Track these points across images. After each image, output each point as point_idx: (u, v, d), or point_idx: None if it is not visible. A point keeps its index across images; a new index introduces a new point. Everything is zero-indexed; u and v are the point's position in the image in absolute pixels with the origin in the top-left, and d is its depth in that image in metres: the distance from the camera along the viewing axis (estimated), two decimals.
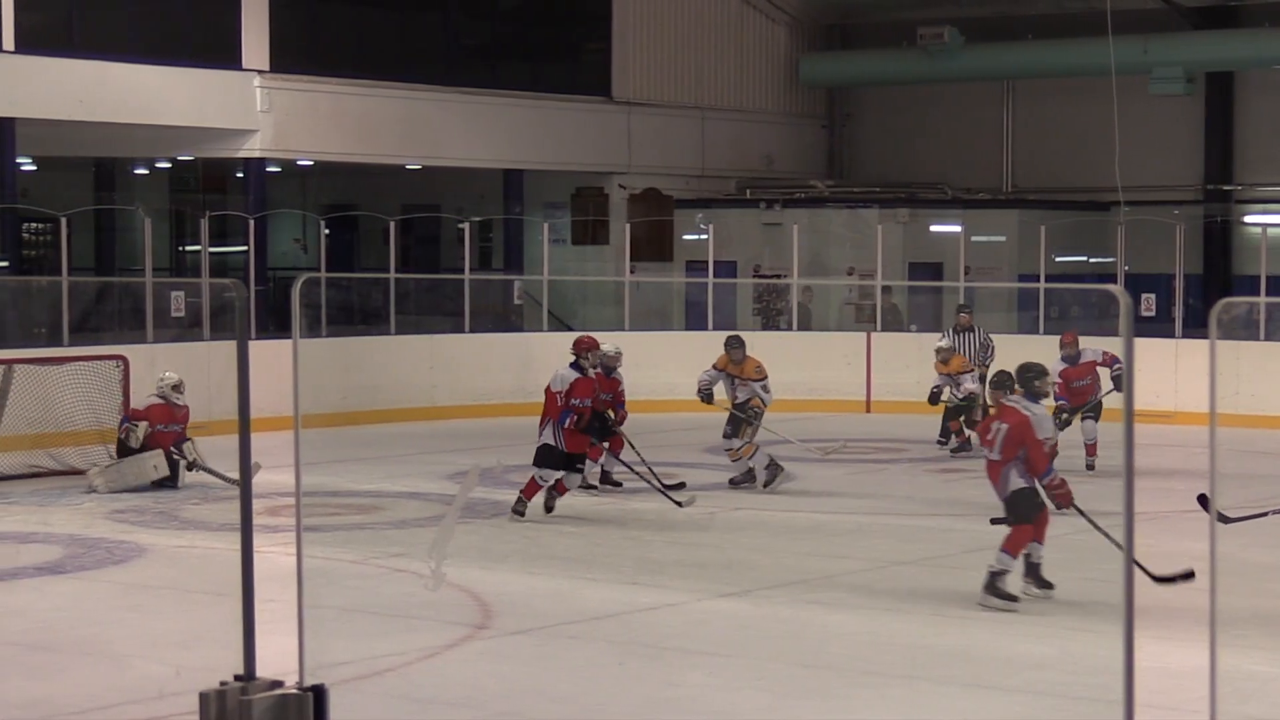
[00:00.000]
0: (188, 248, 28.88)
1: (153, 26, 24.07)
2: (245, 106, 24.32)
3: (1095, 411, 17.90)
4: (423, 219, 29.69)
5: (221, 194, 27.89)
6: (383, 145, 26.23)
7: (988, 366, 19.00)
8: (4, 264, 22.96)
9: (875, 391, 24.30)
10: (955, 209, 28.49)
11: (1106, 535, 11.46)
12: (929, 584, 12.46)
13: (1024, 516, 11.46)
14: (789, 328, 26.80)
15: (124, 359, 18.76)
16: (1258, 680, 9.56)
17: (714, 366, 17.35)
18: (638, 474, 16.17)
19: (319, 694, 6.19)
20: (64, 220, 21.88)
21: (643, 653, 10.46)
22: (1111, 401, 17.97)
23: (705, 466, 18.27)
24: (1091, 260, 28.64)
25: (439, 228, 30.03)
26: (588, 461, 15.79)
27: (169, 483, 17.05)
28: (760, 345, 25.09)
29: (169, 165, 29.14)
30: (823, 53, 32.22)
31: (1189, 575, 10.93)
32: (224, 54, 24.20)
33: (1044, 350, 18.34)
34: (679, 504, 15.59)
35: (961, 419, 19.54)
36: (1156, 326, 23.77)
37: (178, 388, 17.42)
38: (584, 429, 15.29)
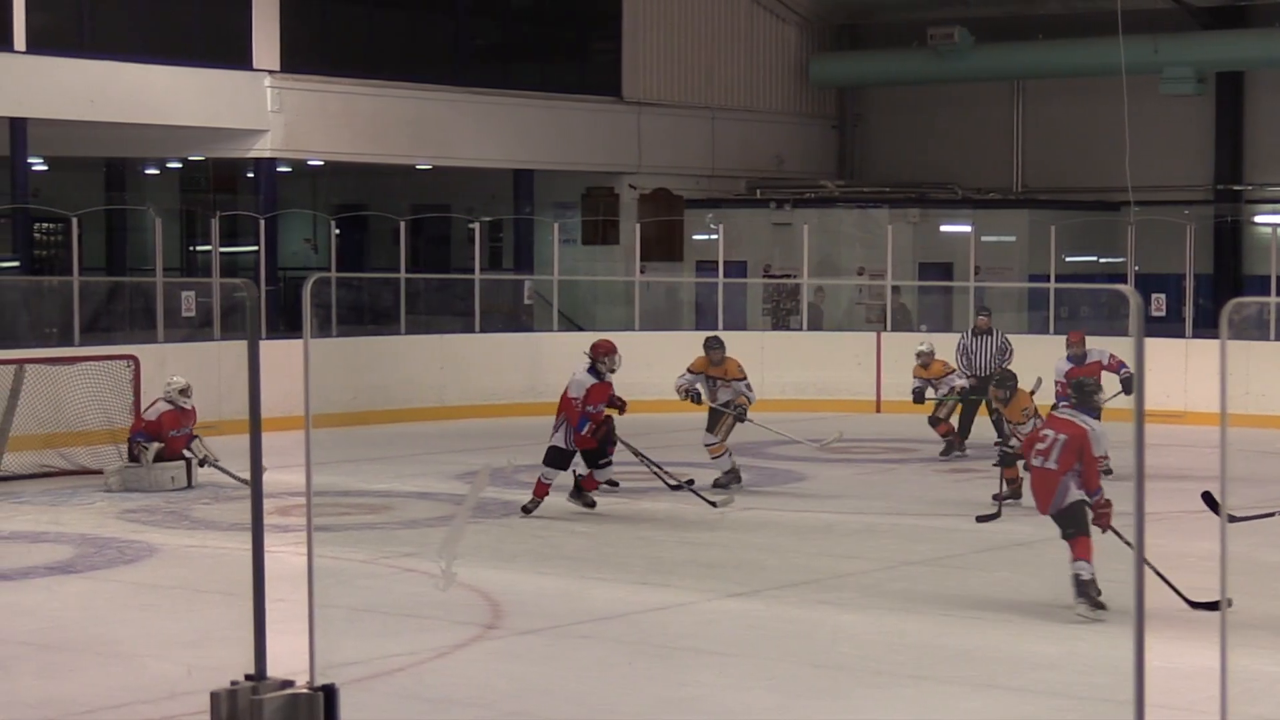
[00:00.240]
0: (198, 248, 28.90)
1: (163, 27, 24.10)
2: (256, 106, 24.35)
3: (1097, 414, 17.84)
4: (433, 219, 29.71)
5: (232, 194, 27.91)
6: (393, 145, 26.25)
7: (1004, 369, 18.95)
8: (15, 264, 23.01)
9: (885, 391, 24.29)
10: (965, 209, 28.48)
11: (1152, 567, 11.21)
12: (938, 584, 12.46)
13: (1084, 528, 11.27)
14: (800, 328, 26.82)
15: (135, 359, 18.79)
16: (1267, 680, 9.55)
17: (689, 370, 17.28)
18: (666, 480, 16.10)
19: (329, 694, 6.21)
20: (75, 220, 21.91)
21: (653, 652, 10.46)
22: (1117, 402, 17.95)
23: (717, 468, 18.24)
24: (1102, 260, 28.61)
25: (449, 228, 30.05)
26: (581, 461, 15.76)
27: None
28: (771, 345, 25.28)
29: (180, 165, 29.16)
30: (833, 53, 32.22)
31: (1215, 606, 10.78)
32: (235, 54, 24.23)
33: (1053, 350, 18.37)
34: (713, 504, 15.61)
35: (945, 419, 19.57)
36: (1167, 326, 23.77)
37: (185, 392, 17.43)
38: (599, 436, 15.32)
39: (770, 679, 9.74)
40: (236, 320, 21.92)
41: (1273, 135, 28.74)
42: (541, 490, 15.35)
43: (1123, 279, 25.58)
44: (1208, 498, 11.03)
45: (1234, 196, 29.03)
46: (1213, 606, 10.76)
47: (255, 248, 23.90)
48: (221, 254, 23.92)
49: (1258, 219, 28.95)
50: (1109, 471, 13.11)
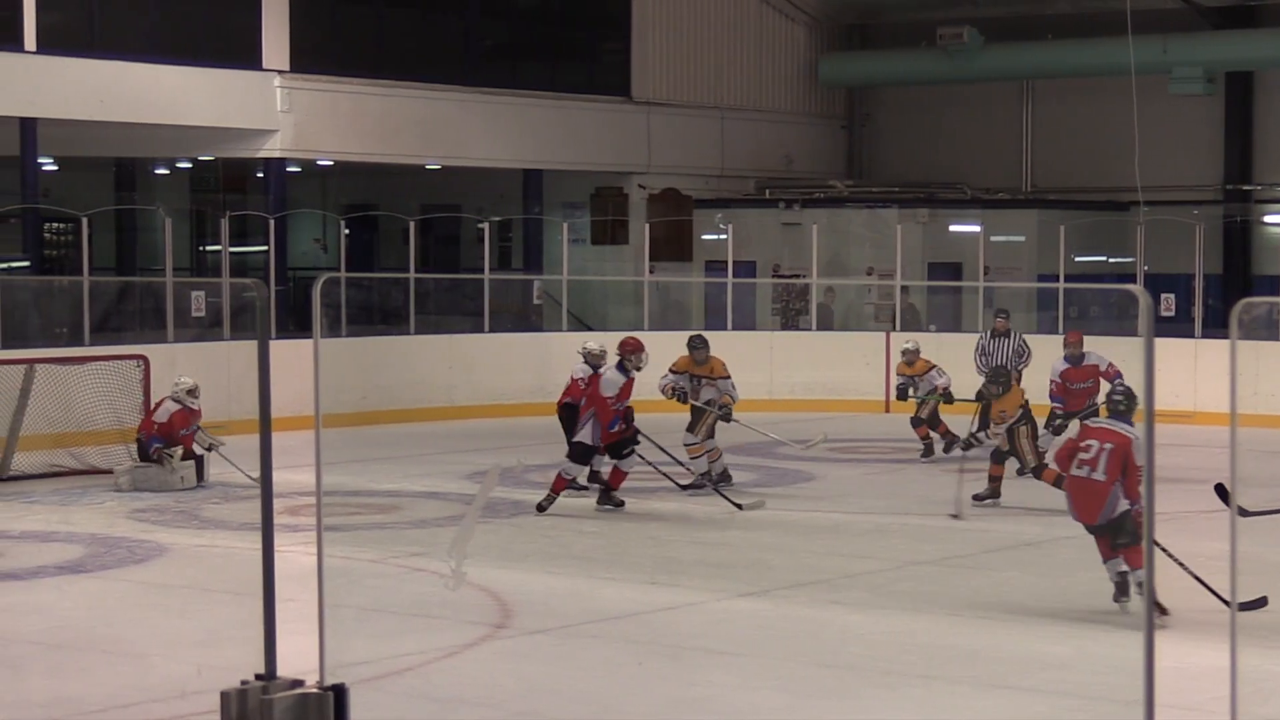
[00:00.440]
0: (208, 248, 28.91)
1: (173, 27, 24.11)
2: (265, 106, 24.37)
3: (1092, 417, 17.82)
4: (442, 219, 29.71)
5: (242, 194, 27.94)
6: (403, 145, 26.27)
7: (1022, 371, 18.92)
8: (26, 264, 23.02)
9: (894, 392, 24.26)
10: (974, 209, 28.46)
11: (1191, 573, 11.13)
12: (947, 584, 12.46)
13: (1137, 536, 11.13)
14: (809, 328, 26.82)
15: (145, 359, 18.82)
16: (1278, 680, 9.54)
17: (672, 370, 17.18)
18: (694, 483, 16.10)
19: (339, 693, 6.22)
20: (85, 220, 21.94)
21: (662, 652, 10.47)
22: None
23: (732, 467, 18.24)
24: (1111, 260, 28.59)
25: (459, 227, 30.05)
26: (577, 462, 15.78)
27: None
28: (780, 345, 25.29)
29: (189, 165, 29.19)
30: (842, 53, 32.20)
31: (1261, 602, 10.78)
32: (244, 54, 24.25)
33: (1060, 351, 18.36)
34: (738, 506, 15.62)
35: (925, 420, 19.59)
36: (1176, 326, 23.74)
37: (193, 392, 17.46)
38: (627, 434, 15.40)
39: (779, 679, 9.75)
40: (246, 320, 21.93)
41: None
42: (560, 485, 15.37)
43: (1132, 279, 25.57)
44: (1221, 490, 11.01)
45: (1243, 196, 28.99)
46: (1259, 604, 10.74)
47: (265, 248, 23.91)
48: (231, 254, 23.94)
49: (1267, 219, 28.93)
50: None
